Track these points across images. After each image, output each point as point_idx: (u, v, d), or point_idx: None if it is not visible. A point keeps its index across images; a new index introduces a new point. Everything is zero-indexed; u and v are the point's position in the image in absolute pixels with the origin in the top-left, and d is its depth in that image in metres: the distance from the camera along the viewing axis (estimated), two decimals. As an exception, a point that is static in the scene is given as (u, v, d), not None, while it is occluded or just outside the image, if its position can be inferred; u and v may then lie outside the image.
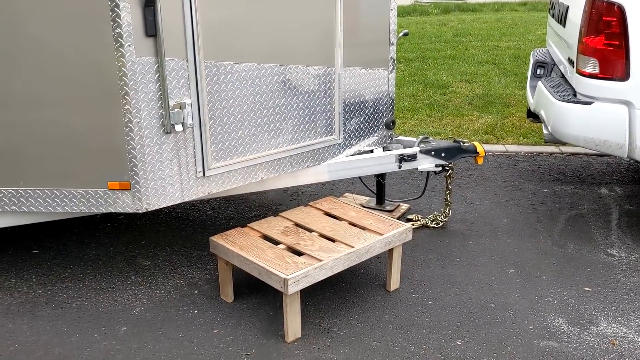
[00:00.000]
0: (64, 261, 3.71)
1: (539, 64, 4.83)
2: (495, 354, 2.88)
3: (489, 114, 6.80)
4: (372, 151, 4.00)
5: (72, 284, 3.45)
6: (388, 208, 4.43)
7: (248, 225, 3.37)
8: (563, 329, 3.07)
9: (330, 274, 2.99)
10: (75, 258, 3.75)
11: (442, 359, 2.85)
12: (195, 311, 3.21)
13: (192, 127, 3.02)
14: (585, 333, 3.04)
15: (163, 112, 2.89)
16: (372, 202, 4.52)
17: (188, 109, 2.97)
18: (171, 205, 4.32)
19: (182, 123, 2.96)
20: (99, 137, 2.87)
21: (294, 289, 2.82)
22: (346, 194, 4.72)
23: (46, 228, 4.11)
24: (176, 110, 2.93)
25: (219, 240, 3.18)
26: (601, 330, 3.06)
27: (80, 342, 2.94)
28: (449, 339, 2.99)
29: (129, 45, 2.73)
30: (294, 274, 2.82)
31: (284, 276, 2.81)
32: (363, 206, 4.46)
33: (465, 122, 6.54)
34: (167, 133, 2.93)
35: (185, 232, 4.12)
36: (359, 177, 4.32)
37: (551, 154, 5.74)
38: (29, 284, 3.45)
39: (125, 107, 2.80)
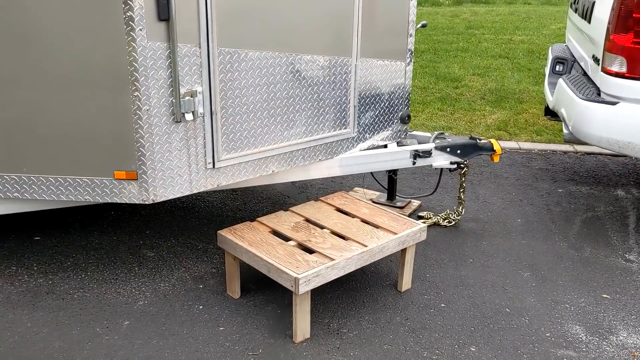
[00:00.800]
0: (67, 249, 3.61)
1: (558, 60, 4.69)
2: (510, 362, 2.78)
3: (501, 109, 6.67)
4: (385, 146, 3.88)
5: (74, 274, 3.35)
6: (399, 204, 4.32)
7: (257, 219, 3.26)
8: (581, 338, 2.96)
9: (342, 273, 2.88)
10: (78, 246, 3.65)
11: (455, 366, 2.75)
12: (201, 307, 3.11)
13: (203, 117, 2.90)
14: (604, 343, 2.93)
15: (173, 100, 2.77)
16: (383, 197, 4.41)
17: (199, 97, 2.85)
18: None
19: (193, 112, 2.84)
20: (107, 125, 2.76)
21: (304, 288, 2.72)
22: (356, 188, 4.61)
23: (49, 214, 4.00)
24: (187, 98, 2.81)
25: (227, 234, 3.07)
26: (621, 340, 2.95)
27: (82, 336, 2.85)
28: (463, 345, 2.89)
29: (141, 30, 2.61)
30: (305, 273, 2.71)
31: (295, 275, 2.70)
32: (373, 201, 4.35)
33: (477, 117, 6.41)
34: (177, 122, 2.81)
35: (191, 223, 4.02)
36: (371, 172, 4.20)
37: (565, 152, 5.61)
38: (30, 272, 3.35)
39: (135, 94, 2.69)
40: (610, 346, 2.91)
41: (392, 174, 4.25)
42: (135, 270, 3.42)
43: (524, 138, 5.90)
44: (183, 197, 4.37)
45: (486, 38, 10.17)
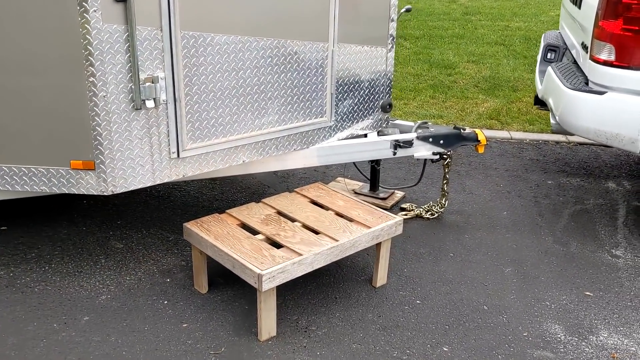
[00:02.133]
0: (32, 240, 3.48)
1: (550, 48, 4.52)
2: (484, 364, 2.66)
3: (494, 97, 6.50)
4: (365, 135, 3.74)
5: (37, 266, 3.23)
6: (382, 195, 4.18)
7: (227, 211, 3.13)
8: (560, 338, 2.84)
9: (309, 269, 2.75)
10: (45, 237, 3.52)
11: (426, 367, 2.63)
12: (166, 302, 2.99)
13: (166, 104, 2.76)
14: (583, 343, 2.81)
15: (133, 86, 2.63)
16: (366, 188, 4.27)
17: (161, 84, 2.71)
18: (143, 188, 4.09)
19: (154, 99, 2.70)
20: (62, 112, 2.62)
21: (268, 285, 2.59)
22: (339, 179, 4.47)
23: (17, 204, 3.87)
24: (147, 84, 2.66)
25: (193, 227, 2.95)
26: (601, 340, 2.83)
27: (37, 332, 2.73)
28: (436, 344, 2.76)
29: (95, 11, 2.46)
30: (269, 270, 2.58)
31: (258, 271, 2.57)
32: (355, 192, 4.22)
33: (469, 105, 6.25)
34: (137, 109, 2.67)
35: (165, 213, 3.89)
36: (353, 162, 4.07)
37: (557, 142, 5.46)
38: (-9, 264, 3.24)
39: (90, 79, 2.54)
40: (590, 347, 2.78)
41: (374, 164, 4.11)
42: (101, 262, 3.30)
43: (516, 127, 5.75)
44: (158, 185, 4.24)
45: (483, 24, 9.96)
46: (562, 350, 2.76)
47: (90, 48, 2.49)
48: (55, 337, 2.71)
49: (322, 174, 4.59)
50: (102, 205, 3.93)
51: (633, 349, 2.78)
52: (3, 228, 3.60)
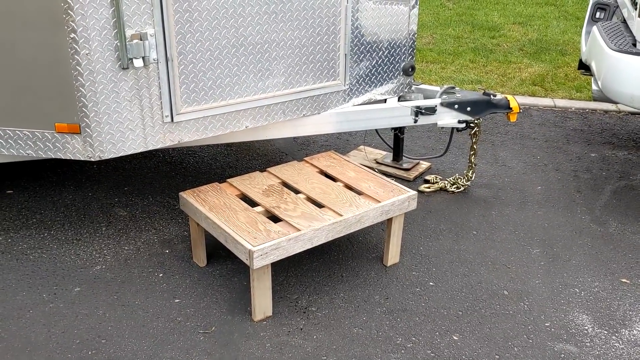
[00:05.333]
0: (36, 205, 3.38)
1: (599, 6, 4.08)
2: (496, 356, 2.39)
3: (540, 62, 6.05)
4: (385, 101, 3.45)
5: (36, 232, 3.13)
6: (405, 165, 3.90)
7: (227, 180, 2.93)
8: (586, 330, 2.54)
9: (309, 246, 2.53)
10: (49, 202, 3.42)
11: (432, 357, 2.39)
12: (161, 275, 2.84)
13: (157, 63, 2.55)
14: (613, 338, 2.50)
15: (118, 44, 2.42)
16: (389, 157, 4.00)
17: (151, 41, 2.49)
18: (152, 150, 3.93)
19: (143, 57, 2.49)
20: (43, 71, 2.44)
21: (260, 262, 2.39)
22: (360, 147, 4.21)
23: (27, 166, 3.79)
24: (135, 41, 2.45)
25: (189, 197, 2.76)
26: (634, 335, 2.52)
27: (25, 302, 2.62)
28: (445, 332, 2.52)
29: (74, -40, 2.25)
30: (262, 246, 2.38)
31: (249, 247, 2.37)
32: (377, 162, 3.95)
33: (512, 70, 5.83)
34: (124, 69, 2.47)
35: (175, 180, 3.73)
36: (375, 129, 3.79)
37: (606, 112, 5.02)
38: (-9, 229, 3.15)
39: (71, 36, 2.35)
40: (621, 342, 2.48)
41: (397, 132, 3.82)
42: (102, 230, 3.17)
43: (561, 95, 5.32)
44: (172, 150, 4.08)
45: (535, -16, 9.32)
46: (587, 344, 2.47)
47: (69, 1, 2.29)
48: (42, 308, 2.59)
49: (345, 142, 4.34)
50: (112, 170, 3.80)
51: (670, 346, 2.47)
52: (9, 192, 3.51)
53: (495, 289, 2.79)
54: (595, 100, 3.46)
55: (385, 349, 2.41)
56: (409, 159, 3.99)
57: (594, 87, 3.38)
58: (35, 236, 3.10)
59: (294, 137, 4.35)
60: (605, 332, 2.54)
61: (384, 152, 4.10)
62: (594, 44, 3.35)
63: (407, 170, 3.88)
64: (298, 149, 4.22)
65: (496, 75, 5.72)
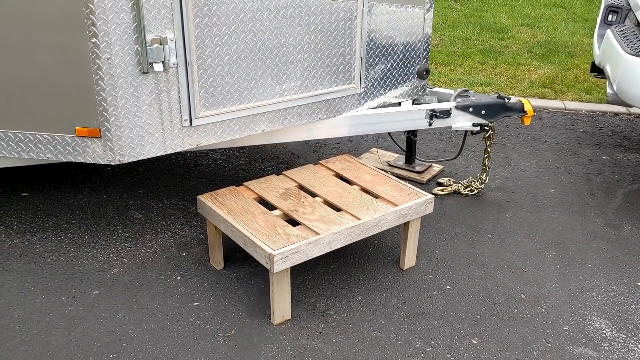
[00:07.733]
0: (52, 207, 3.40)
1: (611, 9, 4.08)
2: (516, 359, 2.41)
3: (549, 64, 6.05)
4: (399, 104, 3.46)
5: (53, 235, 3.14)
6: (417, 168, 3.91)
7: (244, 183, 2.94)
8: (605, 334, 2.55)
9: (327, 250, 2.54)
10: (64, 205, 3.43)
11: (451, 361, 2.40)
12: (179, 277, 2.84)
13: (176, 67, 2.56)
14: (632, 342, 2.51)
15: (139, 48, 2.44)
16: (401, 160, 4.01)
17: (170, 45, 2.50)
18: (169, 154, 3.94)
19: (163, 62, 2.50)
20: (64, 75, 2.45)
21: (281, 266, 2.39)
22: (373, 149, 4.21)
23: (41, 169, 3.80)
24: (155, 46, 2.46)
25: (207, 200, 2.77)
26: (653, 339, 2.53)
27: (44, 305, 2.63)
28: (464, 336, 2.52)
29: (96, -35, 2.26)
30: (282, 250, 2.38)
31: (269, 251, 2.38)
32: (390, 165, 3.96)
33: (521, 72, 5.83)
34: (144, 73, 2.48)
35: (189, 182, 3.74)
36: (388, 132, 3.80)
37: (616, 114, 5.02)
38: (7, 232, 3.16)
39: (93, 40, 2.36)
40: (639, 346, 2.48)
41: (410, 135, 3.83)
42: (118, 233, 3.18)
43: (571, 97, 5.32)
44: (185, 153, 4.10)
45: (542, -15, 9.32)
46: (606, 348, 2.47)
47: (91, 6, 2.30)
48: (62, 311, 2.60)
49: (357, 144, 4.34)
50: (126, 173, 3.81)
51: (689, 350, 2.47)
52: (24, 194, 3.53)
53: (512, 293, 2.80)
54: (609, 103, 3.46)
55: (405, 353, 2.42)
56: (422, 161, 4.00)
57: (608, 90, 3.39)
58: (52, 239, 3.11)
59: (306, 140, 4.36)
60: (624, 335, 2.54)
61: (396, 155, 4.11)
62: (609, 47, 3.36)
63: (419, 173, 3.88)
64: (310, 151, 4.23)
65: (505, 77, 5.73)
